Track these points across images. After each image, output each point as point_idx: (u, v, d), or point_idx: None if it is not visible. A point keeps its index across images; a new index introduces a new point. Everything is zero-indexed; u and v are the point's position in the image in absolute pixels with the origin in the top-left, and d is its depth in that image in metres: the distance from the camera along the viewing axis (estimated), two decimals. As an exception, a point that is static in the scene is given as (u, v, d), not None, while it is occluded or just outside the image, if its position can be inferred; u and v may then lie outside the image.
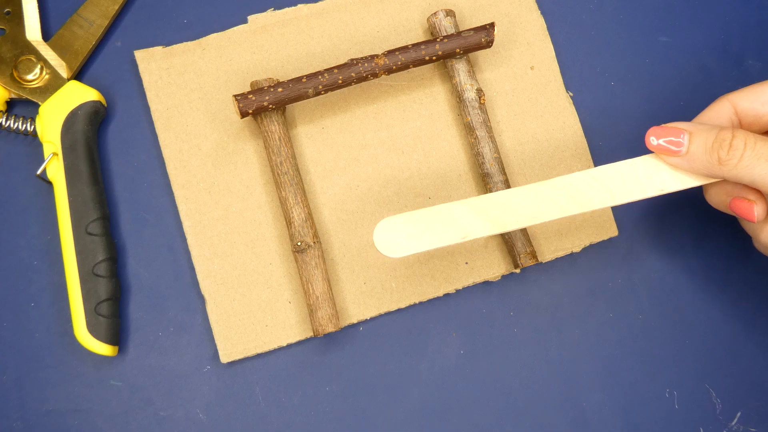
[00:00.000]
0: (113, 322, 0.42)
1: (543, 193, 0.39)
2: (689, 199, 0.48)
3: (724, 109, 0.40)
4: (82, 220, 0.42)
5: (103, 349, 0.42)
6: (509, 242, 0.44)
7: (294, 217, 0.43)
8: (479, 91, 0.45)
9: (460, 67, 0.45)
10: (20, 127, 0.43)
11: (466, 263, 0.45)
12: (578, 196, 0.39)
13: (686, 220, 0.48)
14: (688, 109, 0.49)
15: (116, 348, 0.42)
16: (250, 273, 0.44)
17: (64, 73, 0.44)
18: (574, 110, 0.47)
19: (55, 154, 0.43)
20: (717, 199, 0.41)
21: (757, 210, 0.38)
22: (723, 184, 0.39)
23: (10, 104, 0.45)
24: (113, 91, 0.46)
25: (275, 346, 0.44)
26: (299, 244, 0.43)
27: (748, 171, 0.36)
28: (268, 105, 0.42)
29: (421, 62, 0.44)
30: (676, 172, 0.39)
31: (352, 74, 0.43)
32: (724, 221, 0.48)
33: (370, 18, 0.47)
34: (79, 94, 0.44)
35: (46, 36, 0.45)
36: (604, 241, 0.47)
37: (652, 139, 0.38)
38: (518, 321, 0.46)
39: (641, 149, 0.48)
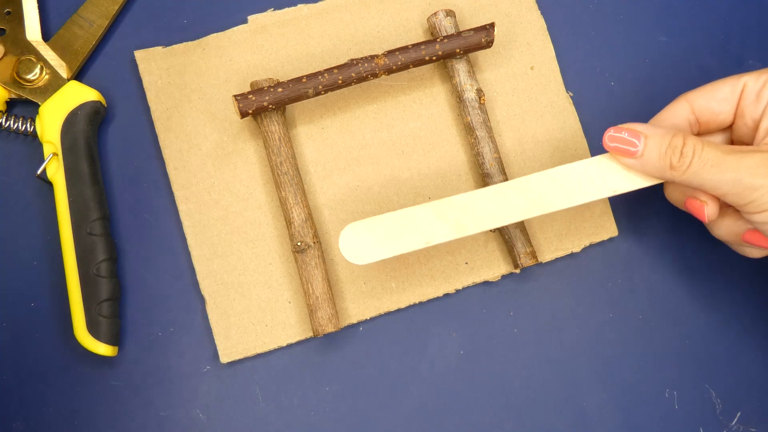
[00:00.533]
0: (113, 322, 0.42)
1: (503, 195, 0.40)
2: (689, 199, 0.48)
3: (681, 108, 0.41)
4: (82, 221, 0.42)
5: (103, 349, 0.42)
6: (509, 242, 0.44)
7: (294, 217, 0.43)
8: (479, 91, 0.45)
9: (460, 67, 0.45)
10: (20, 127, 0.44)
11: (466, 263, 0.45)
12: (537, 198, 0.40)
13: (686, 219, 0.48)
14: (688, 109, 0.49)
15: (116, 348, 0.42)
16: (250, 273, 0.44)
17: (64, 73, 0.44)
18: (574, 110, 0.47)
19: (55, 154, 0.43)
20: (674, 196, 0.42)
21: (707, 210, 0.39)
22: (678, 184, 0.41)
23: (10, 104, 0.45)
24: (113, 91, 0.46)
25: (275, 346, 0.44)
26: (299, 244, 0.43)
27: (695, 177, 0.37)
28: (268, 105, 0.42)
29: (421, 62, 0.44)
30: (629, 173, 0.40)
31: (352, 74, 0.43)
32: (724, 221, 0.48)
33: (370, 18, 0.47)
34: (79, 94, 0.44)
35: (46, 36, 0.45)
36: (604, 241, 0.47)
37: (609, 139, 0.39)
38: (518, 321, 0.46)
39: (641, 149, 0.48)
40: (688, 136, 0.38)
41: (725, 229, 0.41)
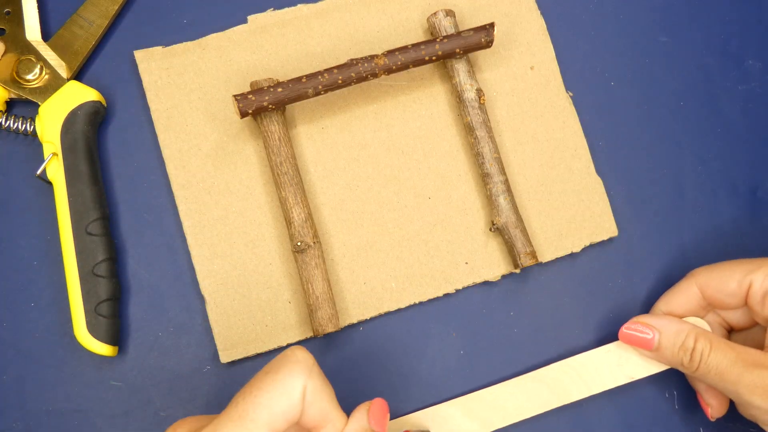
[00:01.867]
0: (113, 322, 0.42)
1: (526, 388, 0.43)
2: (689, 198, 0.48)
3: (691, 292, 0.43)
4: (82, 220, 0.42)
5: (103, 349, 0.42)
6: (509, 242, 0.44)
7: (294, 217, 0.43)
8: (479, 91, 0.45)
9: (460, 67, 0.45)
10: (20, 127, 0.43)
11: (466, 263, 0.45)
12: (557, 389, 0.43)
13: (686, 219, 0.48)
14: (687, 109, 0.49)
15: (116, 348, 0.42)
16: (250, 273, 0.44)
17: (64, 73, 0.44)
18: (574, 110, 0.47)
19: (55, 154, 0.43)
20: (690, 381, 0.45)
21: (711, 412, 0.43)
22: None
23: (10, 104, 0.45)
24: (113, 91, 0.46)
25: (275, 346, 0.44)
26: (299, 244, 0.43)
27: (703, 378, 0.40)
28: (268, 105, 0.42)
29: (421, 62, 0.44)
30: (644, 361, 0.43)
31: (352, 74, 0.43)
32: (723, 221, 0.48)
33: (370, 18, 0.47)
34: (79, 94, 0.44)
35: (46, 36, 0.45)
36: (604, 241, 0.47)
37: (623, 335, 0.43)
38: (518, 321, 0.46)
39: (641, 149, 0.48)
40: (699, 337, 0.40)
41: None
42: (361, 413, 0.35)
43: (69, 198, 0.42)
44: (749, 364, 0.38)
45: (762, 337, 0.42)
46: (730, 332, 0.44)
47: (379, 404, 0.35)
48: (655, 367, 0.43)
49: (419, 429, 0.42)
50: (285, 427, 0.32)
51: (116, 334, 0.42)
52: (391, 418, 0.43)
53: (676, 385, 0.46)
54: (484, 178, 0.45)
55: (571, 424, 0.45)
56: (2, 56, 0.44)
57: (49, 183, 0.44)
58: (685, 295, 0.43)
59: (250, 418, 0.31)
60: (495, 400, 0.43)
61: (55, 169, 0.43)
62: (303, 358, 0.33)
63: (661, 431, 0.45)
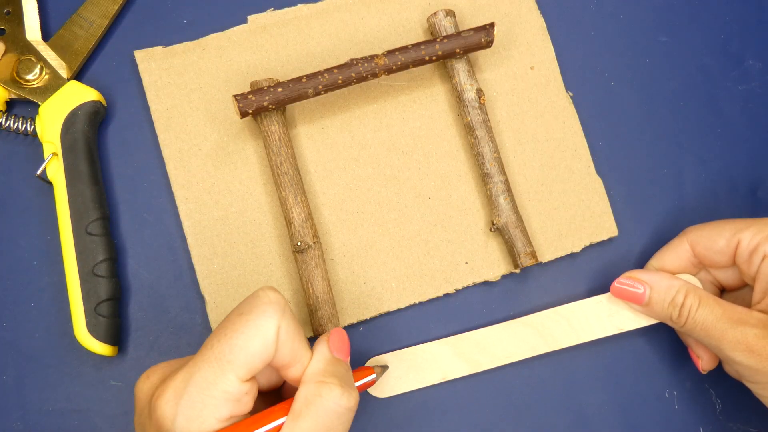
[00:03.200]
0: (113, 322, 0.42)
1: (515, 332, 0.44)
2: (689, 198, 0.48)
3: (683, 249, 0.43)
4: (82, 220, 0.42)
5: (103, 349, 0.42)
6: (509, 242, 0.44)
7: (294, 217, 0.43)
8: (479, 91, 0.45)
9: (460, 67, 0.45)
10: (20, 127, 0.43)
11: (466, 263, 0.45)
12: (546, 335, 0.44)
13: (686, 219, 0.48)
14: (687, 109, 0.49)
15: (116, 348, 0.42)
16: (250, 273, 0.44)
17: (64, 73, 0.44)
18: (574, 110, 0.47)
19: (55, 154, 0.43)
20: (680, 335, 0.45)
21: (702, 364, 0.43)
22: None
23: (10, 104, 0.45)
24: (113, 91, 0.46)
25: (275, 346, 0.43)
26: (299, 244, 0.43)
27: (691, 332, 0.41)
28: (268, 105, 0.42)
29: (421, 62, 0.44)
30: (635, 314, 0.44)
31: (352, 74, 0.43)
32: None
33: (370, 18, 0.47)
34: (79, 94, 0.44)
35: (46, 36, 0.45)
36: (604, 241, 0.47)
37: (615, 289, 0.43)
38: (518, 321, 0.46)
39: (641, 149, 0.48)
40: (689, 293, 0.41)
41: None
42: (322, 344, 0.36)
43: (69, 198, 0.42)
44: (734, 321, 0.39)
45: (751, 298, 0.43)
46: (722, 292, 0.45)
47: (337, 333, 0.37)
48: (644, 321, 0.44)
49: (379, 364, 0.43)
50: (261, 367, 0.33)
51: (116, 334, 0.42)
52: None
53: (676, 385, 0.46)
54: (484, 178, 0.45)
55: (570, 424, 0.45)
56: (2, 56, 0.44)
57: (49, 183, 0.44)
58: (676, 252, 0.43)
59: (227, 359, 0.32)
60: (484, 342, 0.43)
61: (55, 169, 0.43)
62: (275, 298, 0.34)
63: (661, 431, 0.45)
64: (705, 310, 0.40)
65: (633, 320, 0.44)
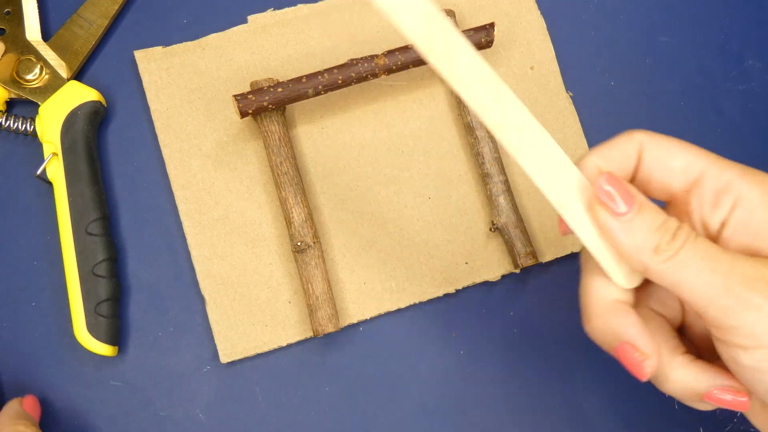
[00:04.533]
0: (113, 322, 0.42)
1: (487, 81, 0.33)
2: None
3: (629, 151, 0.32)
4: (82, 220, 0.42)
5: (103, 349, 0.42)
6: (509, 242, 0.44)
7: (294, 217, 0.43)
8: (479, 91, 0.45)
9: (460, 67, 0.45)
10: (20, 127, 0.43)
11: (466, 263, 0.45)
12: (503, 123, 0.32)
13: (686, 220, 0.48)
14: (688, 109, 0.49)
15: (116, 348, 0.42)
16: (250, 273, 0.44)
17: (64, 73, 0.44)
18: (574, 110, 0.47)
19: (55, 154, 0.43)
20: (602, 334, 0.32)
21: (647, 366, 0.30)
22: (614, 318, 0.31)
23: (10, 104, 0.45)
24: (113, 91, 0.46)
25: (275, 346, 0.44)
26: (299, 244, 0.43)
27: (678, 269, 0.29)
28: (267, 105, 0.42)
29: (421, 62, 0.44)
30: (589, 220, 0.31)
31: (352, 74, 0.43)
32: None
33: (370, 18, 0.47)
34: (78, 94, 0.44)
35: (46, 36, 0.45)
36: (604, 241, 0.47)
37: (602, 185, 0.30)
38: (518, 321, 0.46)
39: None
40: (684, 223, 0.30)
41: (680, 386, 0.31)
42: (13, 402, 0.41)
43: (69, 198, 0.42)
44: (747, 257, 0.29)
45: None
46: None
47: (31, 400, 0.41)
48: (594, 243, 0.31)
49: None
50: None
51: (116, 334, 0.42)
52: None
53: (676, 385, 0.46)
54: (484, 178, 0.45)
55: (570, 424, 0.45)
56: (2, 56, 0.44)
57: (49, 183, 0.44)
58: (622, 152, 0.32)
59: None
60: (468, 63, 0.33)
61: (55, 169, 0.43)
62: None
63: (661, 431, 0.45)
64: (705, 241, 0.29)
65: (583, 225, 0.31)
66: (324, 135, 0.46)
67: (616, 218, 0.30)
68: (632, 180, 0.33)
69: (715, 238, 0.31)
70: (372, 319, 0.45)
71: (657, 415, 0.46)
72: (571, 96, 0.48)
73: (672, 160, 0.31)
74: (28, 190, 0.45)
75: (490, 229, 0.45)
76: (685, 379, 0.31)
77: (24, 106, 0.45)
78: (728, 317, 0.28)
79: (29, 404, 0.41)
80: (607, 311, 0.31)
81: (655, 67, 0.49)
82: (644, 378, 0.31)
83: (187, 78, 0.45)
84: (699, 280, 0.28)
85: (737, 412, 0.46)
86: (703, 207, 0.31)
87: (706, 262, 0.28)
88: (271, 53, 0.46)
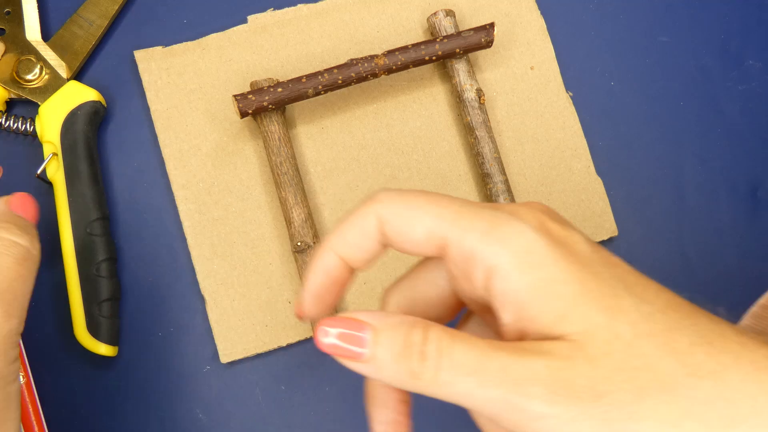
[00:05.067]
0: (113, 322, 0.42)
1: None
2: (689, 198, 0.48)
3: (369, 226, 0.27)
4: (82, 221, 0.42)
5: (103, 349, 0.42)
6: (509, 242, 0.44)
7: (294, 217, 0.43)
8: (479, 91, 0.45)
9: (460, 67, 0.45)
10: (20, 127, 0.43)
11: (466, 263, 0.45)
12: None
13: (686, 218, 0.48)
14: (688, 110, 0.49)
15: (116, 348, 0.42)
16: (250, 273, 0.44)
17: (63, 73, 0.44)
18: (574, 110, 0.47)
19: (54, 154, 0.43)
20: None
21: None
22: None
23: (10, 104, 0.45)
24: (113, 91, 0.46)
25: (275, 346, 0.44)
26: (299, 244, 0.43)
27: (448, 389, 0.24)
28: (267, 105, 0.42)
29: (421, 62, 0.44)
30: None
31: (352, 74, 0.43)
32: (723, 221, 0.48)
33: (370, 18, 0.47)
34: (78, 94, 0.44)
35: (46, 36, 0.45)
36: (604, 241, 0.47)
37: (324, 335, 0.25)
38: (518, 321, 0.46)
39: (641, 149, 0.48)
40: (431, 328, 0.25)
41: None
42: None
43: (69, 198, 0.42)
44: (516, 350, 0.24)
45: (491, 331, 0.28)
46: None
47: (20, 196, 0.34)
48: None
49: None
50: None
51: (116, 334, 0.42)
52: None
53: (676, 385, 0.46)
54: (484, 178, 0.45)
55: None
56: (2, 56, 0.44)
57: (49, 183, 0.44)
58: (359, 233, 0.27)
59: None
60: None
61: (55, 169, 0.43)
62: None
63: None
64: (462, 346, 0.24)
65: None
66: (324, 135, 0.46)
67: (360, 362, 0.25)
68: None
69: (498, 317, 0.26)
70: (372, 319, 0.45)
71: (657, 415, 0.46)
72: (571, 96, 0.48)
73: (412, 231, 0.26)
74: (28, 190, 0.44)
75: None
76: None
77: (24, 106, 0.45)
78: (522, 428, 0.24)
79: (19, 202, 0.34)
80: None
81: (655, 67, 0.49)
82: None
83: (187, 78, 0.45)
84: (475, 399, 0.24)
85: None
86: (459, 283, 0.27)
87: (471, 377, 0.24)
88: (271, 53, 0.46)
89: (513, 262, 0.25)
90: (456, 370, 0.24)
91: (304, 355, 0.44)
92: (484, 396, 0.24)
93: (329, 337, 0.25)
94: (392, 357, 0.25)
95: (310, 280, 0.29)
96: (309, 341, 0.44)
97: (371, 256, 0.28)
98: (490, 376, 0.24)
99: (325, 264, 0.28)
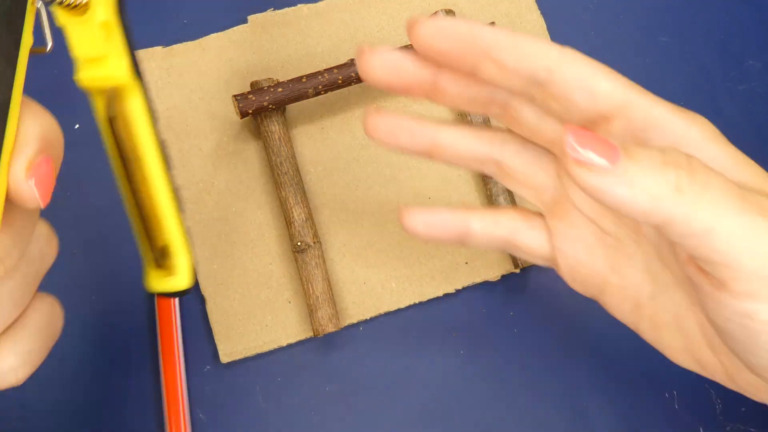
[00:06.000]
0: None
1: None
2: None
3: (542, 58, 0.28)
4: None
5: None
6: (509, 242, 0.44)
7: (294, 217, 0.43)
8: (479, 91, 0.45)
9: (460, 67, 0.45)
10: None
11: (466, 263, 0.45)
12: None
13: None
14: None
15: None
16: (250, 273, 0.44)
17: (64, 73, 0.44)
18: (574, 110, 0.47)
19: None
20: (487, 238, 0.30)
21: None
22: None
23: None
24: (113, 91, 0.46)
25: (275, 346, 0.44)
26: (299, 244, 0.43)
27: (710, 209, 0.23)
28: (268, 105, 0.42)
29: (421, 62, 0.44)
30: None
31: (352, 74, 0.43)
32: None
33: (370, 18, 0.47)
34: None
35: (46, 36, 0.45)
36: (604, 241, 0.47)
37: (573, 142, 0.24)
38: (518, 321, 0.46)
39: (641, 149, 0.48)
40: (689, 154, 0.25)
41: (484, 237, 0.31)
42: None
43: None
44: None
45: None
46: None
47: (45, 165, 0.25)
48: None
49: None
50: None
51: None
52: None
53: (676, 385, 0.46)
54: (484, 178, 0.45)
55: (571, 424, 0.45)
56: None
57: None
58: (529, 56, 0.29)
59: None
60: None
61: (55, 169, 0.43)
62: None
63: (661, 431, 0.45)
64: (720, 177, 0.24)
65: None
66: (324, 135, 0.46)
67: (610, 175, 0.23)
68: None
69: None
70: (372, 319, 0.45)
71: (657, 415, 0.46)
72: (571, 96, 0.48)
73: (596, 84, 0.28)
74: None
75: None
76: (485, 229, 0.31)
77: (24, 106, 0.45)
78: (724, 260, 0.23)
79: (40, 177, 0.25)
80: None
81: (655, 67, 0.49)
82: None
83: (188, 78, 0.45)
84: (735, 223, 0.22)
85: (735, 414, 0.46)
86: (628, 139, 0.26)
87: (738, 200, 0.22)
88: (271, 53, 0.46)
89: (708, 136, 0.26)
90: (724, 189, 0.23)
91: (304, 355, 0.44)
92: (746, 224, 0.22)
93: (585, 144, 0.24)
94: (652, 166, 0.23)
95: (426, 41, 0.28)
96: (309, 341, 0.44)
97: (508, 83, 0.28)
98: (752, 203, 0.23)
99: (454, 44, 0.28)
